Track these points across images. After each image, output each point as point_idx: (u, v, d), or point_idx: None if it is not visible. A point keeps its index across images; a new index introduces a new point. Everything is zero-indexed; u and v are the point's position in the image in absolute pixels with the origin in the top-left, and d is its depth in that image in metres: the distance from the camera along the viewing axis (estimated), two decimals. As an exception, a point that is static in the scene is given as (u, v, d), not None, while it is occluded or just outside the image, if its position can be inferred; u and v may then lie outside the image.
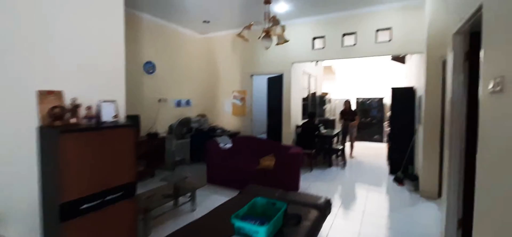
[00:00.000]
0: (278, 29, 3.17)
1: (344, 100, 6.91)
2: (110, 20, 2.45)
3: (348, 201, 3.81)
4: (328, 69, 9.95)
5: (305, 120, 5.99)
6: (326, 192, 4.02)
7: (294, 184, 3.91)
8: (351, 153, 6.64)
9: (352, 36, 4.84)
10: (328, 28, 5.05)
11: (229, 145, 4.70)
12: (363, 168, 5.68)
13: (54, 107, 1.97)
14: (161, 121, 5.37)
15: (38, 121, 1.97)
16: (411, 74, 6.01)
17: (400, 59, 6.92)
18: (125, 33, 2.60)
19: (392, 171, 4.93)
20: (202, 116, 6.23)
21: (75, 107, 2.09)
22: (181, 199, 3.32)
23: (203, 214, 2.31)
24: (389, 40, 4.54)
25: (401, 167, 4.66)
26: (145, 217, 2.66)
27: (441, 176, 3.55)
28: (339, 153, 5.92)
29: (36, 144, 1.97)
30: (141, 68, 5.01)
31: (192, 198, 3.31)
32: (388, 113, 7.29)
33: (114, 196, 2.08)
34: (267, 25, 3.28)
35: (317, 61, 7.23)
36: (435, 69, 3.74)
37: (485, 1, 1.64)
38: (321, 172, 5.25)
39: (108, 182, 2.06)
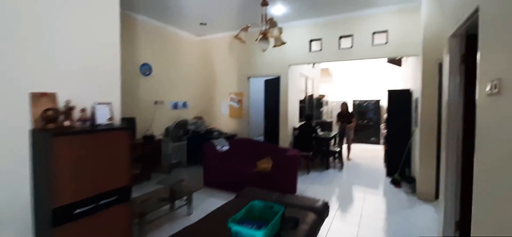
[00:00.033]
0: (275, 31, 3.17)
1: (341, 103, 6.93)
2: (106, 21, 2.42)
3: (346, 203, 3.79)
4: (325, 71, 9.98)
5: (302, 123, 5.99)
6: (323, 195, 4.01)
7: (291, 187, 3.90)
8: (348, 155, 6.64)
9: (349, 39, 4.86)
10: (325, 31, 5.06)
11: (226, 148, 4.67)
12: (360, 170, 5.68)
13: (47, 109, 1.93)
14: (157, 123, 5.33)
15: (31, 124, 1.93)
16: (407, 77, 6.04)
17: (396, 61, 6.96)
18: (121, 35, 2.57)
19: (389, 173, 4.93)
20: (199, 118, 6.19)
21: (69, 110, 2.05)
22: (177, 203, 3.28)
23: (199, 217, 2.27)
24: (386, 43, 4.56)
25: (398, 169, 4.67)
26: (140, 221, 2.62)
27: (438, 178, 3.56)
28: (336, 155, 5.92)
29: (29, 147, 1.93)
30: (137, 70, 4.97)
31: (189, 202, 3.27)
32: (384, 115, 7.32)
33: (108, 200, 2.04)
34: (264, 27, 3.27)
35: (314, 64, 7.25)
36: (431, 71, 3.76)
37: (481, 4, 1.65)
38: (318, 174, 5.23)
39: (102, 186, 2.02)
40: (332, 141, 6.26)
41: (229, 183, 4.04)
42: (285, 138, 5.61)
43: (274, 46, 3.44)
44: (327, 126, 8.16)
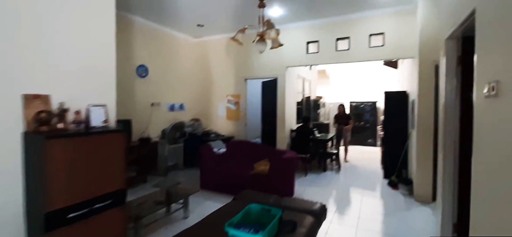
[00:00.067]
0: (272, 33, 3.15)
1: (338, 104, 6.94)
2: (101, 22, 2.39)
3: (343, 206, 3.78)
4: (322, 73, 10.01)
5: (300, 124, 5.98)
6: (321, 197, 3.99)
7: (288, 189, 3.88)
8: (345, 157, 6.65)
9: (346, 41, 4.87)
10: (322, 33, 5.07)
11: (223, 150, 4.64)
12: (358, 172, 5.68)
13: (41, 111, 1.89)
14: (153, 125, 5.28)
15: (23, 127, 1.89)
16: (403, 79, 6.08)
17: (392, 64, 7.00)
18: (117, 36, 2.54)
19: (386, 175, 4.94)
20: (196, 120, 6.16)
21: (62, 112, 2.02)
22: (174, 206, 3.24)
23: (196, 221, 2.24)
24: (382, 45, 4.58)
25: (395, 171, 4.67)
26: (136, 225, 2.58)
27: (435, 180, 3.56)
28: (334, 157, 5.91)
29: (21, 150, 1.89)
30: (133, 72, 4.93)
31: (185, 205, 3.23)
32: (381, 117, 7.35)
33: (102, 204, 2.00)
34: (261, 29, 3.26)
35: (311, 66, 7.25)
36: (427, 73, 3.78)
37: (478, 6, 1.65)
38: (315, 176, 5.22)
39: (96, 190, 1.98)
40: (330, 143, 6.26)
41: (226, 186, 4.01)
42: (283, 140, 5.60)
43: (271, 48, 3.43)
44: (324, 128, 8.16)
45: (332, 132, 7.27)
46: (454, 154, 2.41)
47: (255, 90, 6.38)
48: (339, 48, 4.94)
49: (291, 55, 5.33)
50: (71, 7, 2.17)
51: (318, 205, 2.48)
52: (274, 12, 4.62)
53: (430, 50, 3.67)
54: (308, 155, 5.37)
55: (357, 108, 9.45)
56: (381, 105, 8.11)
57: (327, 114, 9.77)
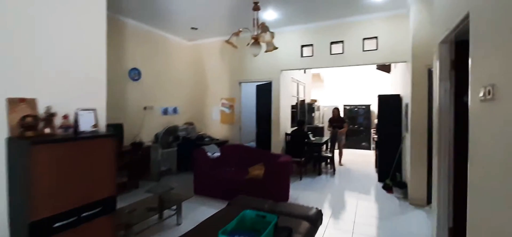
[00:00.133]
0: (267, 36, 3.13)
1: (333, 108, 6.95)
2: (91, 24, 2.32)
3: (339, 210, 3.76)
4: (316, 76, 10.05)
5: (295, 128, 5.96)
6: (316, 202, 3.96)
7: (284, 194, 3.84)
8: (340, 160, 6.65)
9: (340, 45, 4.89)
10: (316, 37, 5.08)
11: (217, 154, 4.57)
12: (352, 175, 5.68)
13: (26, 116, 1.81)
14: (146, 129, 5.19)
15: (8, 132, 1.80)
16: (396, 83, 6.13)
17: (385, 68, 7.07)
18: (109, 39, 2.48)
19: (381, 178, 4.95)
20: (190, 124, 6.08)
21: (49, 116, 1.94)
22: (166, 212, 3.16)
23: (189, 228, 2.18)
24: (376, 49, 4.61)
25: (390, 175, 4.68)
26: (127, 233, 2.50)
27: (429, 184, 3.57)
28: (328, 160, 5.91)
29: (5, 157, 1.80)
30: (126, 75, 4.84)
31: (178, 211, 3.16)
32: (375, 120, 7.39)
33: (91, 212, 1.92)
34: (256, 32, 3.23)
35: (305, 69, 7.27)
36: (420, 77, 3.81)
37: (472, 9, 1.66)
38: (310, 180, 5.20)
39: (85, 197, 1.90)
40: (324, 147, 6.26)
41: (221, 191, 3.95)
42: (277, 144, 5.57)
43: (266, 51, 3.41)
44: (319, 131, 8.17)
45: (326, 136, 7.27)
46: (449, 158, 2.41)
47: (249, 94, 6.35)
48: (333, 52, 4.95)
49: (285, 59, 5.33)
50: (59, 8, 2.10)
51: (314, 210, 2.44)
52: (268, 15, 4.61)
53: (423, 54, 3.70)
54: (303, 158, 5.34)
55: (351, 111, 9.50)
56: (374, 108, 8.17)
57: (321, 118, 9.80)
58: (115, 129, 4.10)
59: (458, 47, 2.36)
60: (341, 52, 4.88)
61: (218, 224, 1.98)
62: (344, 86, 9.96)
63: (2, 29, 1.79)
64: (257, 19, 3.30)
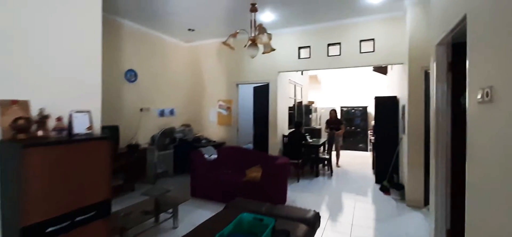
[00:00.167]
0: (264, 38, 3.12)
1: (330, 109, 6.96)
2: (86, 24, 2.29)
3: (336, 212, 3.75)
4: (313, 78, 10.07)
5: (292, 130, 5.95)
6: (314, 204, 3.95)
7: (281, 196, 3.81)
8: (337, 162, 6.65)
9: (337, 47, 4.90)
10: (313, 38, 5.09)
11: (214, 156, 4.54)
12: (350, 177, 5.68)
13: (18, 118, 1.77)
14: (143, 131, 5.14)
15: (-1, 134, 1.76)
16: (393, 84, 6.16)
17: (381, 70, 7.11)
18: (105, 40, 2.44)
19: (378, 180, 4.95)
20: (187, 126, 6.04)
21: (43, 118, 1.90)
22: (163, 215, 3.12)
23: (186, 231, 2.15)
24: (373, 51, 4.62)
25: (387, 176, 4.69)
26: (122, 237, 2.46)
27: (426, 185, 3.58)
28: (326, 162, 5.90)
29: (-4, 160, 1.76)
30: (122, 76, 4.80)
31: (175, 214, 3.12)
32: (372, 122, 7.41)
33: (85, 216, 1.88)
34: (253, 34, 3.22)
35: (302, 71, 7.28)
36: (417, 79, 3.82)
37: (469, 11, 1.66)
38: (308, 182, 5.19)
39: (79, 201, 1.86)
40: (322, 148, 6.25)
41: (218, 193, 3.92)
42: (275, 146, 5.55)
43: (264, 52, 3.39)
44: (316, 133, 8.17)
45: (324, 137, 7.28)
46: (446, 159, 2.41)
47: (247, 95, 6.33)
48: (330, 54, 4.96)
49: (283, 60, 5.32)
50: (54, 8, 2.06)
51: (311, 213, 2.43)
52: (266, 17, 4.60)
53: (419, 56, 3.72)
54: (300, 160, 5.33)
55: (348, 113, 9.53)
56: (371, 110, 8.20)
57: (318, 119, 9.81)
58: (111, 131, 4.07)
59: (455, 49, 2.37)
60: (338, 54, 4.89)
61: (215, 227, 1.95)
62: (341, 87, 10.00)
63: (-6, 30, 1.75)
64: (255, 21, 3.29)
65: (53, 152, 1.75)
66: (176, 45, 6.12)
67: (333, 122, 6.65)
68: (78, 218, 1.84)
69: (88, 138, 2.00)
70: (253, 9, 3.26)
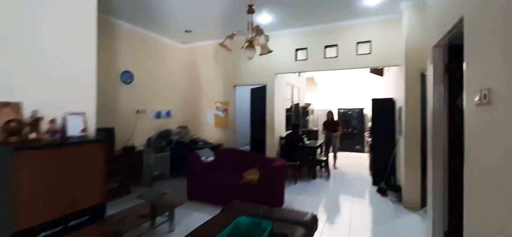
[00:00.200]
0: (261, 39, 3.10)
1: (327, 111, 6.97)
2: (81, 25, 2.25)
3: (334, 214, 3.73)
4: (310, 80, 10.09)
5: (289, 131, 5.94)
6: (311, 206, 3.94)
7: (278, 198, 3.79)
8: (334, 164, 6.65)
9: (334, 48, 4.91)
10: (310, 40, 5.09)
11: (211, 158, 4.51)
12: (347, 179, 5.68)
13: (10, 120, 1.73)
14: (139, 133, 5.09)
15: (-10, 137, 1.72)
16: (389, 86, 6.19)
17: (378, 72, 7.14)
18: (100, 41, 2.42)
19: (375, 182, 4.95)
20: (183, 127, 6.00)
21: (35, 121, 1.86)
22: (159, 219, 3.08)
23: (182, 235, 2.13)
24: (369, 53, 4.64)
25: (384, 178, 4.69)
26: (117, 241, 2.41)
27: (423, 187, 3.59)
28: (323, 164, 5.90)
29: (-13, 163, 1.71)
30: (118, 78, 4.75)
31: (171, 217, 3.08)
32: (368, 124, 7.43)
33: (79, 221, 1.85)
34: (250, 35, 3.20)
35: (299, 73, 7.28)
36: (414, 81, 3.83)
37: (466, 14, 1.66)
38: (305, 184, 5.17)
39: (72, 205, 1.82)
40: (319, 150, 6.25)
41: (215, 196, 3.88)
42: (272, 148, 5.53)
43: (261, 54, 3.37)
44: (313, 134, 8.17)
45: (321, 139, 7.28)
46: (443, 161, 2.41)
47: (244, 97, 6.30)
48: (327, 56, 4.96)
49: (280, 62, 5.32)
50: (47, 8, 2.02)
51: (309, 216, 2.41)
52: (263, 19, 4.60)
53: (416, 58, 3.74)
54: (298, 162, 5.32)
55: (345, 114, 9.56)
56: (368, 111, 8.23)
57: (315, 121, 9.82)
58: (106, 133, 4.01)
59: (451, 51, 2.38)
60: (335, 55, 4.90)
61: (212, 231, 1.93)
62: (338, 89, 10.02)
63: (-15, 30, 1.72)
64: (252, 22, 3.27)
65: (46, 156, 1.72)
66: (172, 46, 6.08)
67: (330, 123, 6.66)
68: (71, 223, 1.80)
69: (82, 141, 1.97)
70: (250, 10, 3.24)
